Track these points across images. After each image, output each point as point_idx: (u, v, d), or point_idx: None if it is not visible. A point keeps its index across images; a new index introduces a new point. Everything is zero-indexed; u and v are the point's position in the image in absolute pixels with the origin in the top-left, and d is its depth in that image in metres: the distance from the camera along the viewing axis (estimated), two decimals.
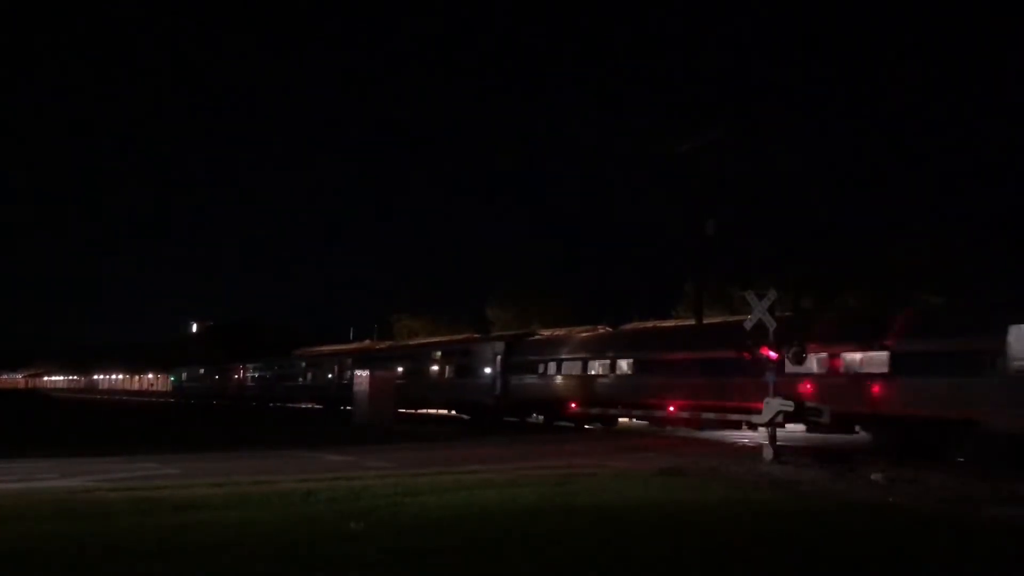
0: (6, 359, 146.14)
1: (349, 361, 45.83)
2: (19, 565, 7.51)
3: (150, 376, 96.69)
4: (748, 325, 18.42)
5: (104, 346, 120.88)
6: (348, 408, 41.33)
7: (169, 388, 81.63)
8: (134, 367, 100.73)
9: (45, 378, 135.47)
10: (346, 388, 42.19)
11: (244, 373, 61.58)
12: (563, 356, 30.80)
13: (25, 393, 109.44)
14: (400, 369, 39.87)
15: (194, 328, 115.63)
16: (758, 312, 18.11)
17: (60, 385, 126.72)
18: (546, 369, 31.17)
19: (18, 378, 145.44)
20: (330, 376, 47.18)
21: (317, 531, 9.10)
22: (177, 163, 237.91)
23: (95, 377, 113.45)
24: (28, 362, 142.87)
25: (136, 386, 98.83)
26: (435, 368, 38.74)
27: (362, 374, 37.12)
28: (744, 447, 20.84)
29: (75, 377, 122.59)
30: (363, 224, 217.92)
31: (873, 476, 14.50)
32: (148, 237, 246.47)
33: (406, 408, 39.24)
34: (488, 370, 33.90)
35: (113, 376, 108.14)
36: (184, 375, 75.72)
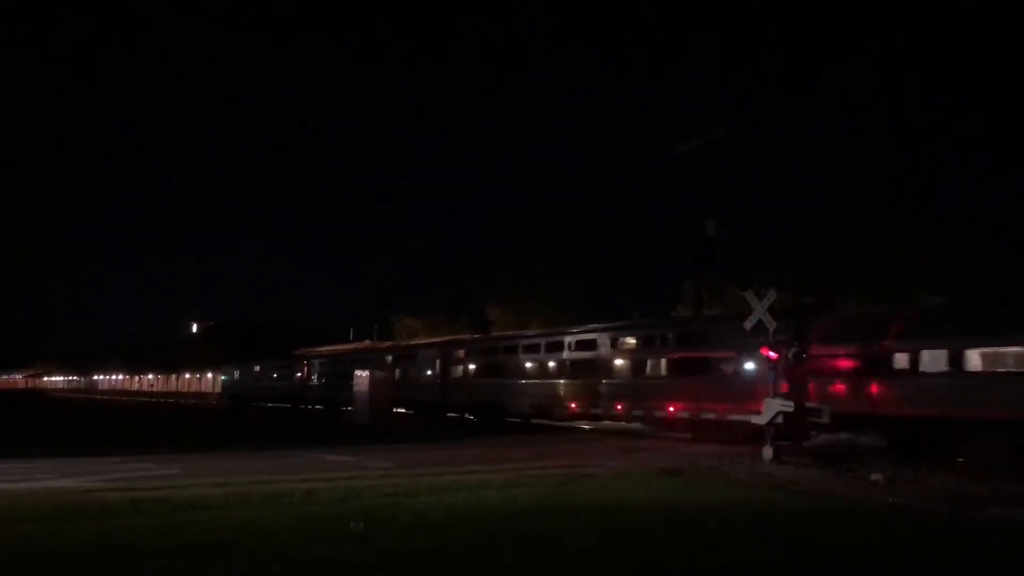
0: (6, 359, 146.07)
1: (461, 352, 36.52)
2: (19, 565, 7.51)
3: (150, 376, 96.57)
4: (748, 325, 18.43)
5: (104, 346, 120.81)
6: (454, 415, 34.88)
7: (219, 389, 70.00)
8: (135, 367, 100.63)
9: (45, 378, 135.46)
10: (455, 389, 35.18)
11: (308, 371, 50.87)
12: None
13: (25, 394, 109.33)
14: (551, 364, 30.03)
15: (194, 328, 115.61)
16: (758, 312, 18.11)
17: (60, 386, 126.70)
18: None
19: (18, 378, 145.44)
20: (428, 373, 37.80)
21: (317, 531, 9.11)
22: (176, 163, 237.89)
23: (95, 378, 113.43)
24: (28, 362, 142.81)
25: (136, 386, 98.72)
26: (621, 363, 27.47)
27: (362, 374, 37.11)
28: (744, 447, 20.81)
29: (75, 377, 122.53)
30: (363, 224, 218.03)
31: (873, 476, 14.50)
32: (148, 237, 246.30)
33: (539, 418, 30.48)
34: (751, 365, 21.95)
35: (113, 376, 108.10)
36: (237, 374, 64.13)
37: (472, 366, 35.41)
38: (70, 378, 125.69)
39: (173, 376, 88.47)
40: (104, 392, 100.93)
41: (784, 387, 18.21)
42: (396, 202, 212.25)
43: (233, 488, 12.33)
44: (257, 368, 60.06)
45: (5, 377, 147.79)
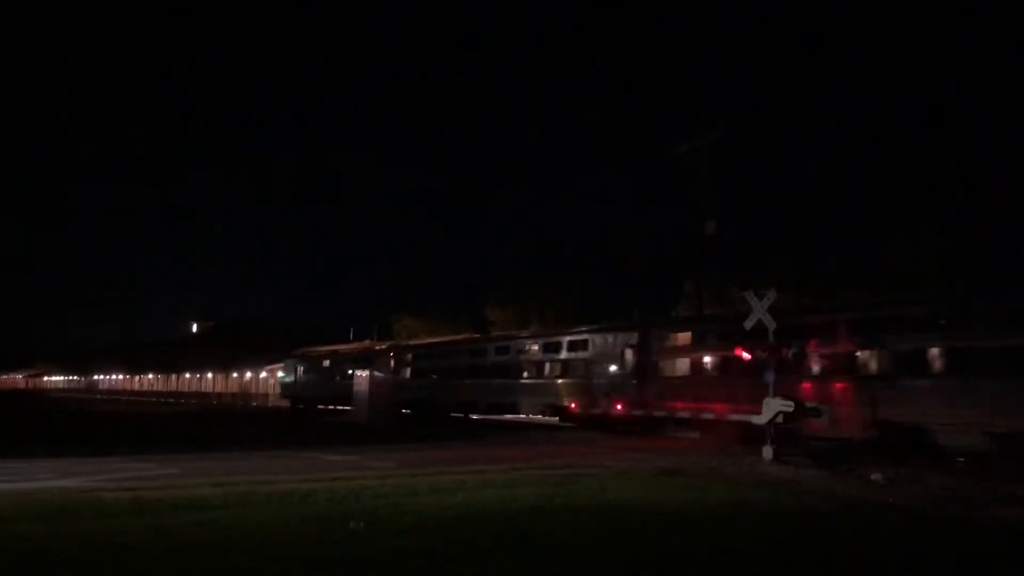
0: (6, 359, 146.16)
1: (681, 338, 26.13)
2: (19, 565, 7.51)
3: (150, 376, 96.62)
4: (748, 325, 18.46)
5: (104, 346, 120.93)
6: (641, 431, 25.39)
7: (277, 390, 57.83)
8: (135, 367, 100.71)
9: (45, 378, 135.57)
10: (666, 390, 25.21)
11: (398, 367, 40.54)
12: None
13: (25, 394, 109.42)
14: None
15: (194, 328, 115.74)
16: (758, 312, 18.13)
17: (60, 386, 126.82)
18: None
19: (18, 378, 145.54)
20: (612, 369, 27.90)
21: (317, 531, 9.10)
22: (176, 163, 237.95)
23: (95, 377, 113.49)
24: (28, 362, 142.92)
25: (137, 386, 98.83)
26: None
27: (362, 374, 37.00)
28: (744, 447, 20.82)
29: (75, 377, 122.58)
30: (363, 224, 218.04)
31: (873, 476, 14.51)
32: (148, 237, 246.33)
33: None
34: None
35: (113, 376, 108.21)
36: (300, 370, 51.08)
37: (709, 358, 24.92)
38: (70, 378, 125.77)
39: (174, 376, 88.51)
40: (104, 392, 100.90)
41: None
42: (396, 202, 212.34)
43: (233, 488, 12.33)
44: (326, 363, 48.22)
45: (5, 377, 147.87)
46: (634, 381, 26.43)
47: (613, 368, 27.57)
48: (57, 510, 10.23)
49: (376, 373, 37.25)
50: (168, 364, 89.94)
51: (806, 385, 20.46)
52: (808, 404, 18.43)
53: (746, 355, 18.40)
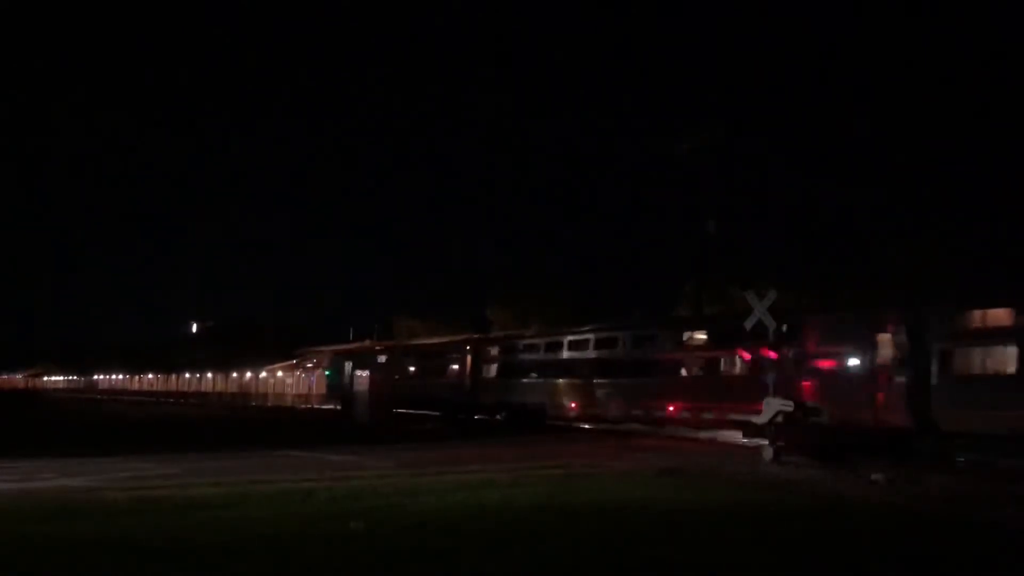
0: (6, 359, 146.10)
1: (983, 317, 17.81)
2: (19, 565, 7.52)
3: (150, 376, 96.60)
4: (748, 325, 18.45)
5: (104, 346, 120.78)
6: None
7: (322, 390, 49.80)
8: (135, 367, 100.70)
9: (45, 378, 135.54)
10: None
11: (475, 362, 33.10)
12: None
13: (25, 394, 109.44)
14: None
15: (194, 328, 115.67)
16: (758, 312, 18.12)
17: (60, 385, 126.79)
18: None
19: (18, 378, 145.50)
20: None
21: (317, 531, 9.11)
22: (177, 163, 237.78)
23: (95, 377, 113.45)
24: (28, 362, 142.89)
25: (136, 386, 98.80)
26: None
27: (362, 374, 36.84)
28: (744, 447, 20.82)
29: (75, 377, 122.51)
30: (363, 223, 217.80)
31: (873, 476, 14.51)
32: (147, 237, 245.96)
33: None
34: None
35: (113, 376, 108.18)
36: (348, 367, 40.37)
37: None
38: (70, 378, 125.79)
39: (173, 376, 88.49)
40: (104, 392, 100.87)
41: None
42: (396, 202, 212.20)
43: (233, 488, 12.34)
44: (382, 359, 40.25)
45: (5, 377, 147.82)
46: (901, 380, 17.99)
47: (854, 362, 19.05)
48: (58, 510, 10.24)
49: (376, 373, 37.06)
50: (168, 364, 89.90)
51: (805, 384, 20.47)
52: (808, 404, 18.42)
53: (746, 355, 18.34)
